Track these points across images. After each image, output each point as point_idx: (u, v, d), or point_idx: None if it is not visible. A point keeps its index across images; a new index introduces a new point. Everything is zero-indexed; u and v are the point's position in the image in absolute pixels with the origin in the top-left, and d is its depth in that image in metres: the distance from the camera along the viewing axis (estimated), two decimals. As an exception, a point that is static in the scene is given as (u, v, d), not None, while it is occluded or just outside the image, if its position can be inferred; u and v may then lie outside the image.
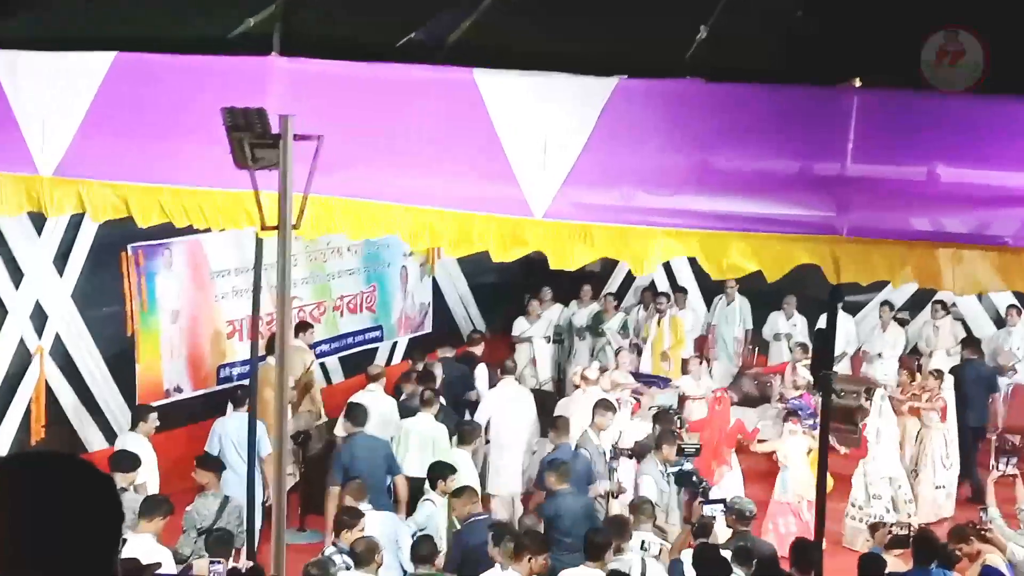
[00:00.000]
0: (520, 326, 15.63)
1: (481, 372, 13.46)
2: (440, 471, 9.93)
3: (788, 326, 15.57)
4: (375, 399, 11.80)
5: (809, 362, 11.92)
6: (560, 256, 8.37)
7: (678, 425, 11.48)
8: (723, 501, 9.40)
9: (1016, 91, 7.55)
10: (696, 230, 8.01)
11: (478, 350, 14.07)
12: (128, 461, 9.82)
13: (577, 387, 12.72)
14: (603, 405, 11.16)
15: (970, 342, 14.38)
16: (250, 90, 8.22)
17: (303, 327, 13.39)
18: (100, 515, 2.25)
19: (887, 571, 8.11)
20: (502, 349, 15.13)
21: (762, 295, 14.64)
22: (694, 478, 10.24)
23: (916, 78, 7.64)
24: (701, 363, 13.71)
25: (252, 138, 7.32)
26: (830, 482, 9.01)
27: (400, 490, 10.79)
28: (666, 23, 8.80)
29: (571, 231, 8.20)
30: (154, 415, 11.04)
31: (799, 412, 11.69)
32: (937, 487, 12.44)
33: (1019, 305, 15.04)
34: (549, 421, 11.64)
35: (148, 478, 10.39)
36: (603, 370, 13.02)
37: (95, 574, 2.23)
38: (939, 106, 7.73)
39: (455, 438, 11.11)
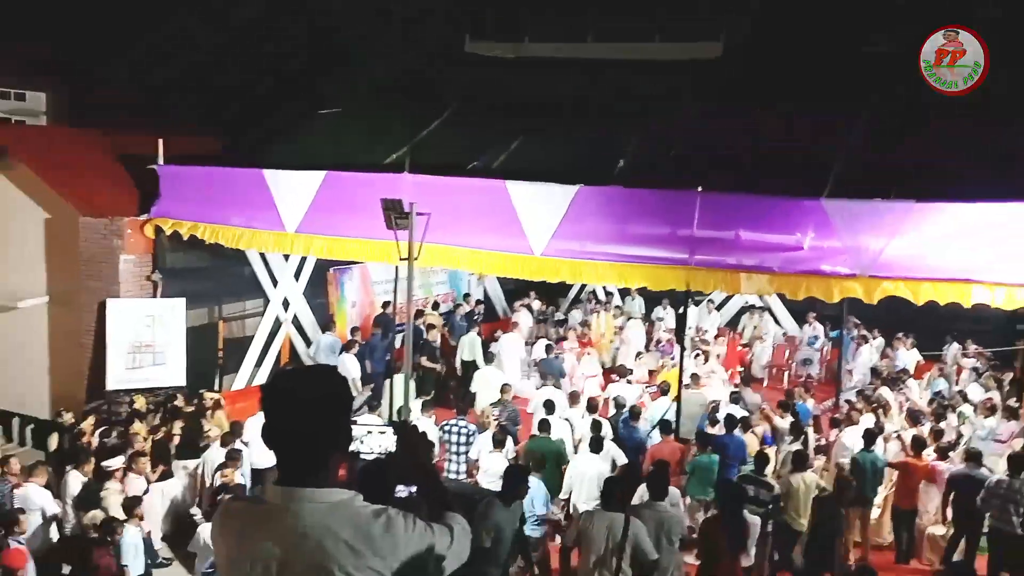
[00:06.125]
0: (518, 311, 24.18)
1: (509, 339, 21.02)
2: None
3: (663, 312, 24.47)
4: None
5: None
6: (550, 275, 14.45)
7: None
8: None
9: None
10: (616, 263, 14.04)
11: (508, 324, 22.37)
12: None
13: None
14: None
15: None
16: (394, 190, 13.84)
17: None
18: (344, 398, 2.97)
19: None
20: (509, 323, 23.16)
21: (654, 295, 22.17)
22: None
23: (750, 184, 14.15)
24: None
25: (396, 215, 12.10)
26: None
27: None
28: (611, 148, 15.12)
29: (556, 262, 14.25)
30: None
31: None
32: None
33: (815, 312, 22.17)
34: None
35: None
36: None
37: (340, 439, 2.95)
38: (742, 203, 13.58)
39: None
